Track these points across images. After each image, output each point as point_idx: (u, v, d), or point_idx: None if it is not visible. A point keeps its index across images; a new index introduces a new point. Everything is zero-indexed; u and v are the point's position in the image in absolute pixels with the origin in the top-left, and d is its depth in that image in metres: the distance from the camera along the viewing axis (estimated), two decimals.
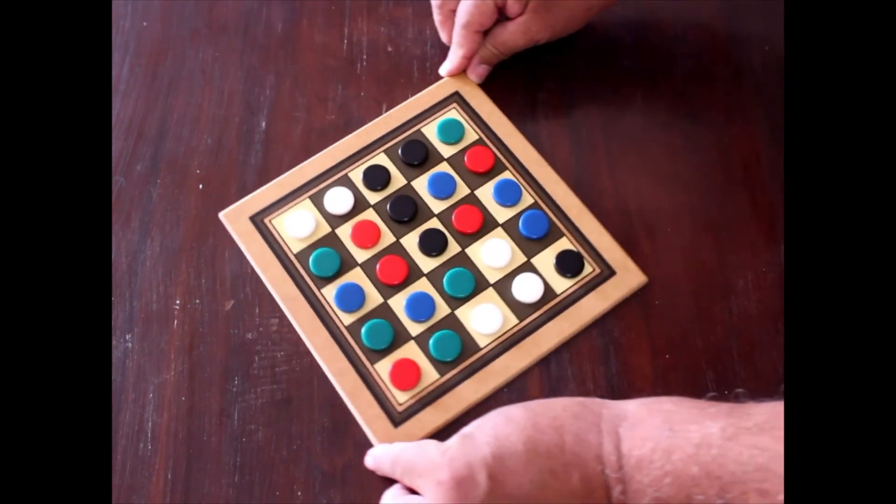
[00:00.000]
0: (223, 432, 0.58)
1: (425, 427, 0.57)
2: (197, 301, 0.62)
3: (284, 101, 0.70)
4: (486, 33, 0.69)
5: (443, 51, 0.73)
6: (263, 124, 0.69)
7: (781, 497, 0.43)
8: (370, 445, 0.57)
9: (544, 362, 0.61)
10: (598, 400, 0.52)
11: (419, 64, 0.72)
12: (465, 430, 0.52)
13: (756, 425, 0.46)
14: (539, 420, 0.50)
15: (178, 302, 0.62)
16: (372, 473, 0.57)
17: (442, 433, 0.57)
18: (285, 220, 0.64)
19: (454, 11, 0.69)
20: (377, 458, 0.56)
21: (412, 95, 0.70)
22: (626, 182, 0.67)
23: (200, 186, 0.67)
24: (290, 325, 0.61)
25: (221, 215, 0.65)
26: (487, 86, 0.71)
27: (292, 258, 0.63)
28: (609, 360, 0.61)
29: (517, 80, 0.71)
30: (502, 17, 0.69)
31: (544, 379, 0.60)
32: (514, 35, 0.68)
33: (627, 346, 0.61)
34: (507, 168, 0.66)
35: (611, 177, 0.67)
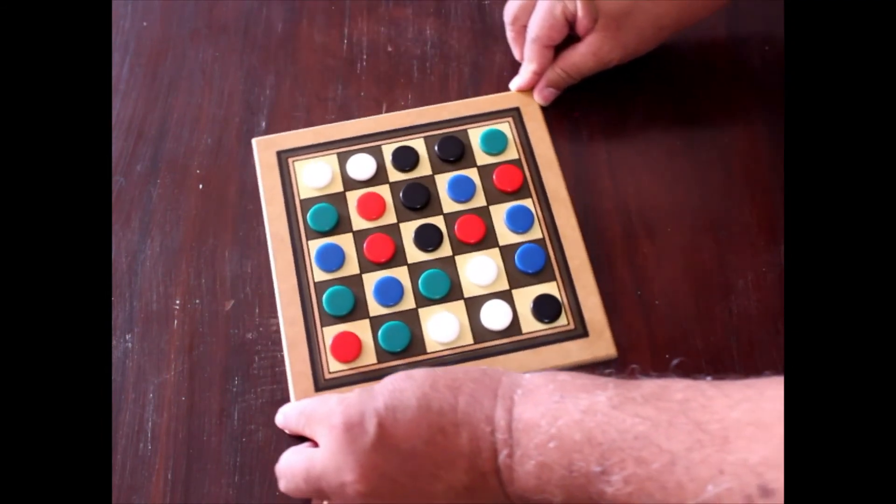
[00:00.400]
0: (223, 432, 0.58)
1: None
2: (197, 301, 0.62)
3: (284, 101, 0.70)
4: (556, 55, 0.68)
5: (442, 51, 0.73)
6: (263, 124, 0.69)
7: (657, 466, 0.43)
8: None
9: None
10: (500, 369, 0.52)
11: (419, 64, 0.72)
12: (370, 386, 0.53)
13: (642, 396, 0.46)
14: (437, 380, 0.50)
15: (178, 302, 0.62)
16: None
17: None
18: (306, 166, 0.65)
19: (526, 28, 0.69)
20: (286, 413, 0.57)
21: (411, 95, 0.71)
22: (626, 182, 0.67)
23: (200, 186, 0.67)
24: None
25: (254, 140, 0.67)
26: (496, 90, 0.71)
27: (297, 202, 0.64)
28: (609, 360, 0.60)
29: None
30: (573, 38, 0.68)
31: None
32: (584, 57, 0.67)
33: (627, 346, 0.61)
34: (530, 196, 0.65)
35: (611, 177, 0.67)
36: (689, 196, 0.67)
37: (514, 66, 0.72)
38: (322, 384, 0.58)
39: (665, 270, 0.64)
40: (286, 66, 0.72)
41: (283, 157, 0.66)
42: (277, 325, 0.61)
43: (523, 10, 0.69)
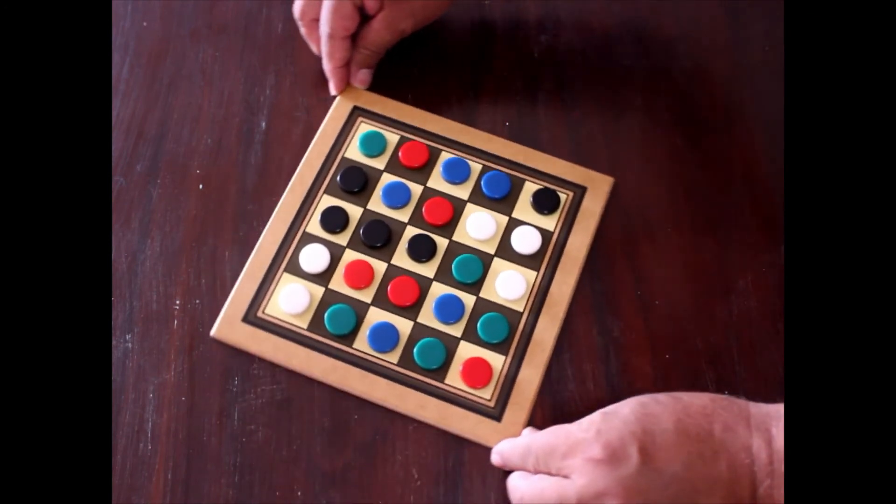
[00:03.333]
0: (223, 432, 0.58)
1: (526, 400, 0.59)
2: (197, 301, 0.62)
3: (284, 101, 0.70)
4: (354, 38, 0.69)
5: (442, 51, 0.73)
6: (263, 124, 0.69)
7: None
8: (373, 446, 0.57)
9: None
10: (743, 399, 0.52)
11: (419, 64, 0.72)
12: (605, 409, 0.52)
13: None
14: (688, 406, 0.50)
15: (178, 302, 0.62)
16: (372, 473, 0.57)
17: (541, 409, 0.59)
18: (278, 303, 0.61)
19: (317, 21, 0.69)
20: (503, 453, 0.56)
21: (411, 95, 0.71)
22: (626, 182, 0.67)
23: (200, 186, 0.67)
24: None
25: (213, 334, 0.60)
26: (495, 89, 0.71)
27: (307, 334, 0.60)
28: (609, 360, 0.61)
29: (517, 81, 0.71)
30: (364, 17, 0.69)
31: (544, 378, 0.60)
32: (378, 32, 0.68)
33: (627, 346, 0.61)
34: (441, 150, 0.67)
35: (611, 177, 0.67)
36: (689, 196, 0.67)
37: (515, 66, 0.72)
38: (496, 414, 0.58)
39: (665, 270, 0.64)
40: (286, 66, 0.72)
41: (253, 317, 0.61)
42: None
43: (309, 4, 0.69)
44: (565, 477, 0.51)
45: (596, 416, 0.52)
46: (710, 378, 0.60)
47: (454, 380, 0.59)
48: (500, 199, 0.65)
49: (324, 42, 0.68)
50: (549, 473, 0.52)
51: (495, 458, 0.56)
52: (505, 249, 0.63)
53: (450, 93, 0.71)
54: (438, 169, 0.66)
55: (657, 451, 0.48)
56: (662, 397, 0.51)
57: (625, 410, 0.51)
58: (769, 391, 0.58)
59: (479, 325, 0.60)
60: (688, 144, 0.69)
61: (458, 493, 0.56)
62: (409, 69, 0.72)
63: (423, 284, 0.62)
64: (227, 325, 0.61)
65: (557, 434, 0.52)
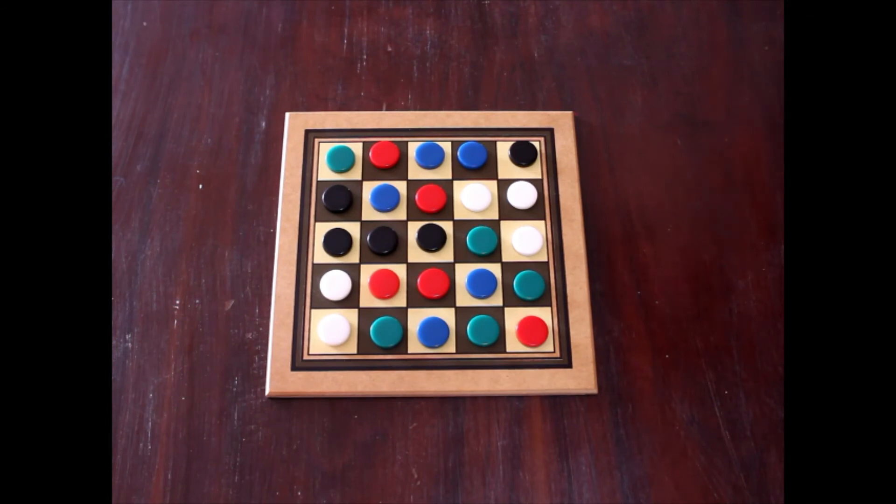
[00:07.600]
0: (223, 432, 0.58)
1: (585, 339, 0.60)
2: (197, 301, 0.62)
3: (284, 101, 0.70)
4: None
5: (442, 51, 0.73)
6: (263, 124, 0.69)
7: None
8: (372, 446, 0.57)
9: None
10: None
11: (419, 64, 0.72)
12: None
13: None
14: None
15: (178, 302, 0.62)
16: (372, 473, 0.57)
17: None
18: (320, 339, 0.60)
19: None
20: None
21: (411, 95, 0.71)
22: (626, 182, 0.67)
23: (200, 186, 0.67)
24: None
25: (268, 393, 0.59)
26: (495, 89, 0.71)
27: (361, 357, 0.60)
28: (609, 360, 0.61)
29: (516, 81, 0.71)
30: None
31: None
32: None
33: (627, 346, 0.61)
34: (408, 141, 0.67)
35: (611, 177, 0.67)
36: (689, 196, 0.67)
37: (515, 66, 0.72)
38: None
39: (665, 270, 0.64)
40: (286, 66, 0.72)
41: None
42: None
43: None
44: None
45: None
46: (710, 378, 0.60)
47: (514, 346, 0.60)
48: (482, 167, 0.66)
49: None
50: None
51: None
52: (506, 210, 0.65)
53: (451, 93, 0.71)
54: (413, 159, 0.67)
55: None
56: None
57: None
58: (769, 391, 0.58)
59: (515, 286, 0.61)
60: (688, 144, 0.69)
61: (458, 493, 0.56)
62: (409, 70, 0.72)
63: (448, 270, 0.62)
64: (280, 380, 0.59)
65: None
